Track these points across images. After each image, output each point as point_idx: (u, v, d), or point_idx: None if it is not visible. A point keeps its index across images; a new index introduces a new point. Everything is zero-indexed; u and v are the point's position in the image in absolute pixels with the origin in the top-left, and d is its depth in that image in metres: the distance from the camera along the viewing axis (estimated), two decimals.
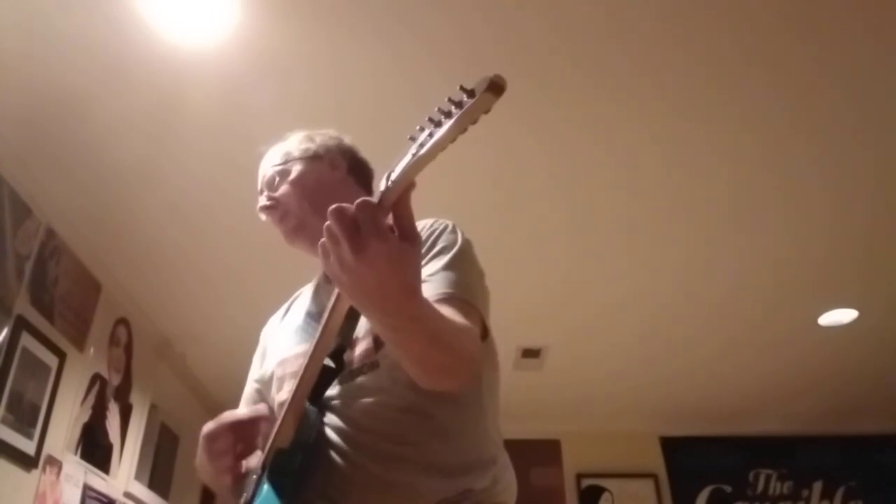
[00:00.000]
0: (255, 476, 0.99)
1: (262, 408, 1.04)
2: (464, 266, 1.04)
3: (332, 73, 2.06)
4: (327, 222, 0.70)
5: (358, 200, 0.69)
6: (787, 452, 4.38)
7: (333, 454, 0.98)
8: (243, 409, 1.07)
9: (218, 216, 2.61)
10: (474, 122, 0.62)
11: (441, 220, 1.12)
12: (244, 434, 1.00)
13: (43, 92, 2.06)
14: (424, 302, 0.79)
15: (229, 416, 1.02)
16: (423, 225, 1.12)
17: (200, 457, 1.03)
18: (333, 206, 0.70)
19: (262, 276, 2.81)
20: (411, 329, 0.78)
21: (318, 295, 1.21)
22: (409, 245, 0.71)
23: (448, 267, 1.01)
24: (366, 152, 1.32)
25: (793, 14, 1.88)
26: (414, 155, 0.66)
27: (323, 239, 0.72)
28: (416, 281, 0.74)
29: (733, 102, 2.16)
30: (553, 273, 3.01)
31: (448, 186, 2.36)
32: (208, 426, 1.01)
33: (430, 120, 0.65)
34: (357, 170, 1.28)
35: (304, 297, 1.26)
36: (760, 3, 1.85)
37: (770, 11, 1.87)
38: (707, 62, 2.02)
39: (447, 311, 0.89)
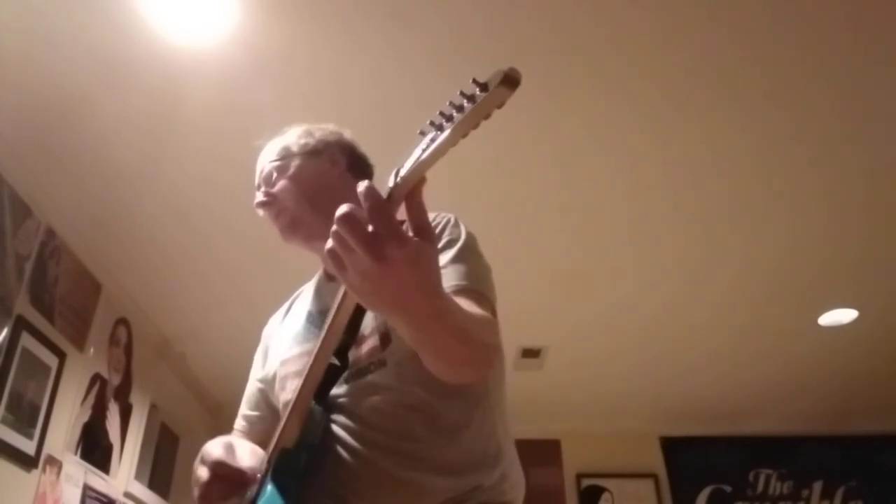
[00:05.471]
0: (259, 476, 0.98)
1: (254, 466, 1.00)
2: (472, 257, 1.04)
3: (332, 72, 2.05)
4: (335, 228, 0.65)
5: (367, 204, 0.64)
6: (787, 452, 4.37)
7: (342, 451, 0.98)
8: (245, 455, 1.03)
9: (218, 216, 2.60)
10: (487, 117, 0.58)
11: (443, 214, 1.11)
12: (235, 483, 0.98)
13: (43, 92, 2.05)
14: (446, 297, 0.77)
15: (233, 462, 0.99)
16: None
17: (200, 473, 1.00)
18: (341, 212, 0.64)
19: (262, 276, 2.80)
20: (436, 326, 0.75)
21: (319, 293, 1.20)
22: (426, 243, 0.68)
23: (457, 259, 1.01)
24: (366, 150, 1.31)
25: (790, 21, 1.90)
26: (423, 151, 0.64)
27: (330, 246, 0.67)
28: (437, 278, 0.71)
29: (733, 104, 2.17)
30: (553, 273, 3.01)
31: (448, 185, 2.35)
32: (221, 457, 0.98)
33: (442, 114, 0.61)
34: (357, 166, 1.26)
35: (305, 296, 1.25)
36: (759, 11, 1.87)
37: (768, 19, 1.89)
38: (706, 65, 2.03)
39: (462, 303, 0.88)
